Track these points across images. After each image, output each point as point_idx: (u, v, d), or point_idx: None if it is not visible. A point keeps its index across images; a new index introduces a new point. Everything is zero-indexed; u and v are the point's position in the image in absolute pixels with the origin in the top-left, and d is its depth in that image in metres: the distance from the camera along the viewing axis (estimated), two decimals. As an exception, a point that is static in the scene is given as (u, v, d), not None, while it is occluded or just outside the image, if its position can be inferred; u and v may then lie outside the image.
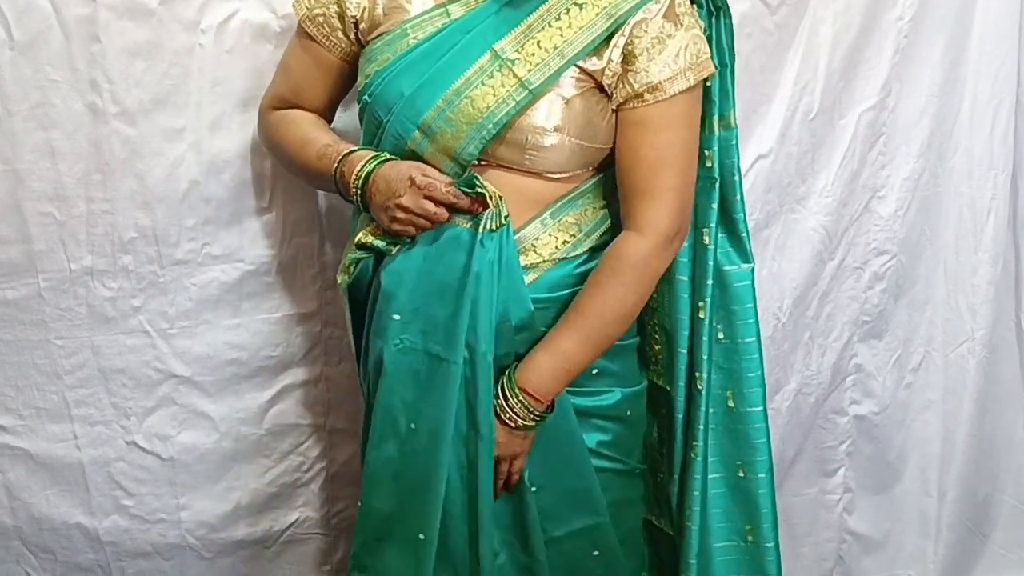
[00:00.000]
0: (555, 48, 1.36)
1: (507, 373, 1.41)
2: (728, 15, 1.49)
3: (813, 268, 1.98)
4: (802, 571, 2.15)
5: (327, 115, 1.59)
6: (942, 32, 1.92)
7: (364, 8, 1.45)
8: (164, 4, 1.58)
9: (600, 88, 1.40)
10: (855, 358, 2.08)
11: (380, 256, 1.47)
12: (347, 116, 1.67)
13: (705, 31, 1.44)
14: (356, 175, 1.41)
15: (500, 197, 1.37)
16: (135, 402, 1.75)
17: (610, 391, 1.50)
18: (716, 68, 1.44)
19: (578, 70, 1.38)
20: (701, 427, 1.57)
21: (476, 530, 1.42)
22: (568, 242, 1.44)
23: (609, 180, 1.47)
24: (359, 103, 1.47)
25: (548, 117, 1.37)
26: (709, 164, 1.51)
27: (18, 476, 1.74)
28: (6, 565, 1.79)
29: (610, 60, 1.38)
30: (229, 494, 1.84)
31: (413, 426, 1.42)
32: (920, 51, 1.91)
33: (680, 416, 1.59)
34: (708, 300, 1.54)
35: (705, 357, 1.55)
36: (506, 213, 1.37)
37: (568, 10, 1.37)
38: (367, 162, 1.41)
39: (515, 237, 1.40)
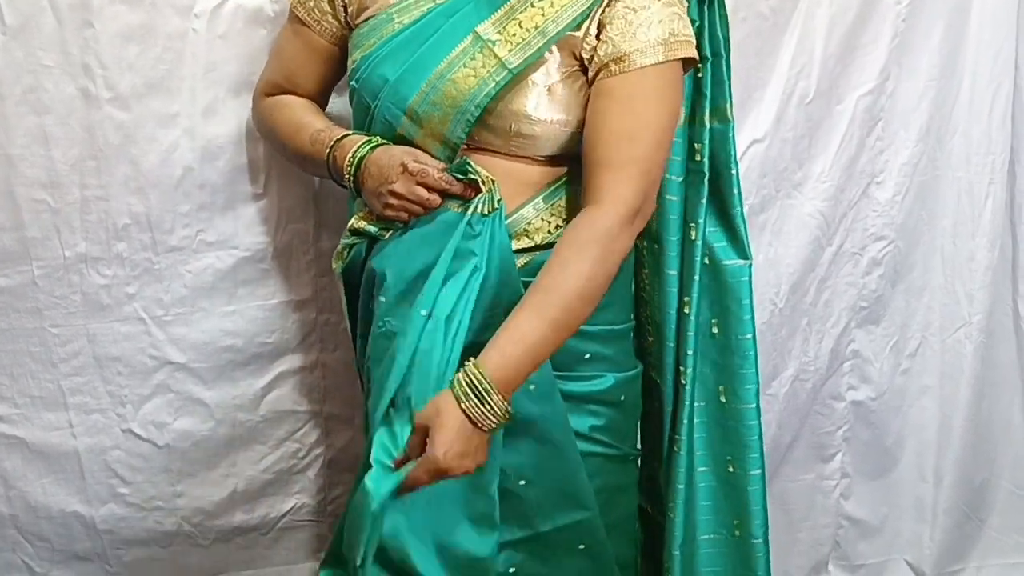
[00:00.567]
0: (536, 28, 1.35)
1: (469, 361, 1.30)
2: (722, 4, 1.47)
3: (810, 254, 1.97)
4: (799, 556, 2.15)
5: (321, 100, 1.59)
6: (941, 17, 1.91)
7: (353, -9, 1.45)
8: (157, -12, 1.58)
9: (584, 70, 1.38)
10: (852, 344, 2.08)
11: (373, 241, 1.46)
12: (341, 101, 1.66)
13: (695, 22, 1.42)
14: (348, 160, 1.41)
15: (493, 182, 1.36)
16: (131, 390, 1.75)
17: (602, 376, 1.48)
18: (707, 58, 1.42)
19: (561, 51, 1.37)
20: (685, 421, 1.55)
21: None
22: (561, 226, 1.43)
23: None
24: (349, 88, 1.46)
25: (533, 104, 1.36)
26: (699, 158, 1.49)
27: (14, 465, 1.74)
28: (2, 554, 1.79)
29: (587, 32, 1.37)
30: (225, 481, 1.84)
31: (392, 411, 1.39)
32: (918, 36, 1.91)
33: (669, 409, 1.58)
34: (694, 296, 1.52)
35: (690, 352, 1.54)
36: (499, 197, 1.36)
37: None
38: (359, 147, 1.41)
39: (507, 221, 1.39)
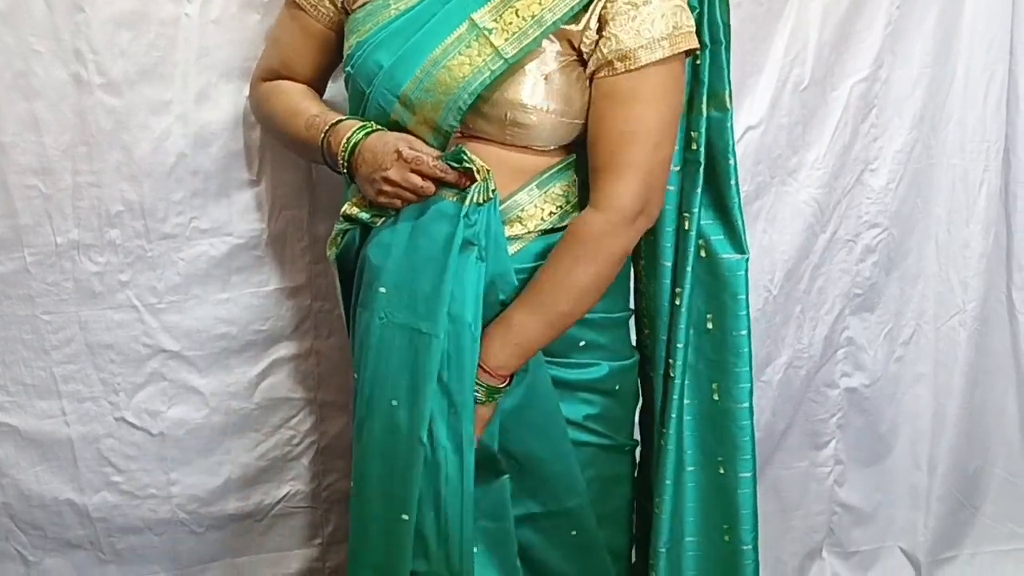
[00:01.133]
0: (532, 17, 1.33)
1: None
2: None
3: (805, 241, 1.97)
4: (792, 543, 2.16)
5: (318, 86, 1.58)
6: (935, 4, 1.91)
7: (349, -24, 1.44)
8: (149, -27, 1.57)
9: (582, 61, 1.37)
10: (846, 331, 2.08)
11: (367, 228, 1.45)
12: (337, 87, 1.65)
13: (695, 8, 1.41)
14: (343, 146, 1.40)
15: (488, 171, 1.35)
16: (124, 378, 1.74)
17: (597, 364, 1.48)
18: (706, 45, 1.41)
19: (558, 41, 1.35)
20: (673, 415, 1.52)
21: (459, 510, 1.39)
22: (555, 213, 1.43)
23: None
24: (344, 74, 1.45)
25: (528, 93, 1.35)
26: (695, 147, 1.47)
27: (7, 453, 1.74)
28: (-4, 542, 1.79)
29: (587, 26, 1.35)
30: (219, 468, 1.83)
31: (395, 403, 1.40)
32: (912, 23, 1.91)
33: (659, 403, 1.56)
34: (686, 288, 1.49)
35: (680, 345, 1.51)
36: (493, 187, 1.36)
37: None
38: (354, 132, 1.40)
39: (501, 208, 1.39)
